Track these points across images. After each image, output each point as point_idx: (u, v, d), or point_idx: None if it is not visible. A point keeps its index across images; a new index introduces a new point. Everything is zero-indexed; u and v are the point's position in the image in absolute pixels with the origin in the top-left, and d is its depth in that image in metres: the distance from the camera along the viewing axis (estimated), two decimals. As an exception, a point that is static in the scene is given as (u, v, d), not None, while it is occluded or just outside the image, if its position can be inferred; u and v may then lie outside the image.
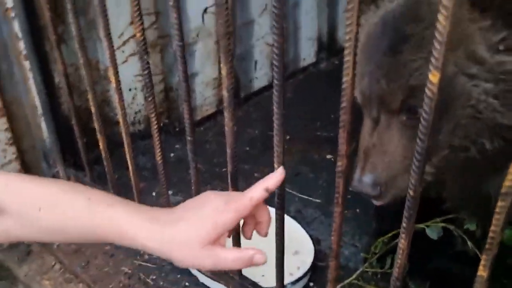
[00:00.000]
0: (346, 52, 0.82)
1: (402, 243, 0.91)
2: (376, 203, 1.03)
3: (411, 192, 0.84)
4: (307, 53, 3.06)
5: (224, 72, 1.03)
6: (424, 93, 0.74)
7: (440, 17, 0.68)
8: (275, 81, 0.97)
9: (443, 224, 1.15)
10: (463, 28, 0.93)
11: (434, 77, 0.72)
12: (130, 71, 2.16)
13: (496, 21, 0.90)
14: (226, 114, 1.09)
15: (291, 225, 1.77)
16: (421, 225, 1.18)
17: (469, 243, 1.13)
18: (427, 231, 1.21)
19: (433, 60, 0.71)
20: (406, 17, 0.96)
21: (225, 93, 1.07)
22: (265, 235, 1.00)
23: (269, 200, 0.98)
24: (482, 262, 0.81)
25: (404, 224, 0.88)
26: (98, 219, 0.91)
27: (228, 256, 0.89)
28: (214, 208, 0.90)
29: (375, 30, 1.01)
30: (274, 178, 0.97)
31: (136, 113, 2.29)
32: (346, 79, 0.84)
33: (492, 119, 0.98)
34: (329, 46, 3.17)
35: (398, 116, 0.98)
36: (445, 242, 1.35)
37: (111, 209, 0.92)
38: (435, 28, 0.69)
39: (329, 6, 3.05)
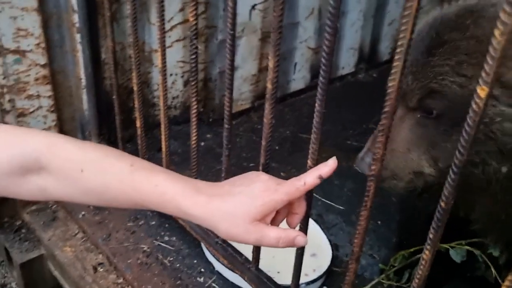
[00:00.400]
0: (396, 57, 0.83)
1: (426, 254, 0.91)
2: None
3: (442, 204, 0.84)
4: (346, 63, 3.06)
5: (271, 64, 1.05)
6: (470, 107, 0.75)
7: (497, 33, 0.68)
8: (321, 79, 0.99)
9: (468, 248, 1.14)
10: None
11: (482, 91, 0.72)
12: (173, 57, 2.20)
13: None
14: (267, 105, 1.11)
15: (312, 228, 1.77)
16: (446, 245, 1.17)
17: (492, 270, 1.11)
18: (451, 252, 1.19)
19: (483, 74, 0.71)
20: (450, 23, 0.97)
21: (269, 85, 1.08)
22: (295, 227, 1.01)
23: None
24: (506, 283, 0.81)
25: (430, 235, 0.88)
26: (141, 185, 0.93)
27: (271, 234, 0.90)
28: (265, 187, 0.92)
29: (422, 30, 1.04)
30: (328, 167, 0.97)
31: (173, 98, 2.33)
32: (392, 84, 0.85)
33: (504, 143, 0.98)
34: (370, 58, 3.16)
35: (414, 112, 1.00)
36: (466, 264, 1.33)
37: (154, 175, 0.94)
38: (490, 43, 0.70)
39: (375, 18, 3.04)
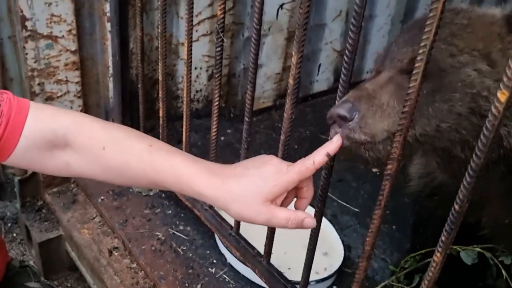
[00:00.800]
0: (418, 58, 0.83)
1: (438, 256, 0.91)
2: (344, 133, 1.00)
3: (456, 207, 0.84)
4: (371, 67, 3.05)
5: (294, 60, 1.07)
6: (490, 111, 0.75)
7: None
8: (342, 77, 1.00)
9: (479, 250, 1.13)
10: (490, 32, 1.01)
11: (502, 95, 0.72)
12: (199, 51, 2.24)
13: None
14: (288, 101, 1.13)
15: (325, 227, 1.78)
16: (456, 247, 1.16)
17: (504, 273, 1.10)
18: (462, 254, 1.19)
19: (505, 79, 0.71)
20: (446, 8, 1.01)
21: (291, 81, 1.10)
22: (304, 209, 1.02)
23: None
24: (515, 289, 0.81)
25: (443, 238, 0.88)
26: (158, 165, 0.97)
27: (281, 215, 0.93)
28: (276, 169, 0.95)
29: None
30: (334, 144, 0.99)
31: (197, 91, 2.37)
32: (413, 84, 0.85)
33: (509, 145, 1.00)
34: (395, 64, 3.14)
35: (402, 75, 1.02)
36: (477, 272, 1.33)
37: (171, 156, 0.98)
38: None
39: (403, 23, 3.02)
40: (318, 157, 0.96)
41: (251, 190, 0.93)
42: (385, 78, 1.03)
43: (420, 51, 0.83)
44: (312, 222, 0.97)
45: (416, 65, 0.84)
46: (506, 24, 1.00)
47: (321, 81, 2.83)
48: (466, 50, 0.98)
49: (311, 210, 1.23)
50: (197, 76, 2.32)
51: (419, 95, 0.87)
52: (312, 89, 2.84)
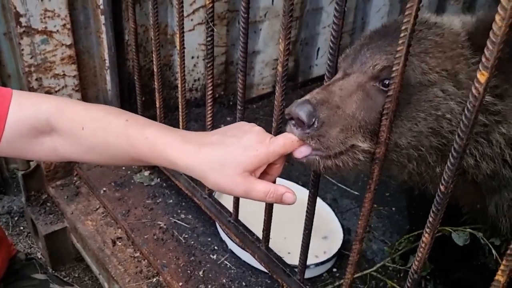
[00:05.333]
0: (400, 41, 0.84)
1: (426, 237, 0.92)
2: (301, 137, 0.94)
3: (442, 188, 0.85)
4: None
5: (281, 47, 1.07)
6: (470, 92, 0.75)
7: (497, 18, 0.68)
8: (328, 62, 1.00)
9: (470, 230, 1.14)
10: (456, 53, 1.00)
11: (482, 76, 0.73)
12: (195, 40, 2.24)
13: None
14: (278, 88, 1.13)
15: (325, 211, 1.80)
16: (448, 228, 1.17)
17: (494, 252, 1.11)
18: (453, 235, 1.20)
19: (483, 59, 0.72)
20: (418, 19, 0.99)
21: (279, 68, 1.11)
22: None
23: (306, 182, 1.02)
24: (501, 267, 0.82)
25: (430, 219, 0.90)
26: (134, 139, 0.97)
27: (260, 188, 0.90)
28: (258, 139, 0.91)
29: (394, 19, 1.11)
30: None
31: (195, 80, 2.37)
32: (396, 68, 0.86)
33: (449, 140, 0.99)
34: (395, 45, 3.12)
35: (372, 82, 0.99)
36: (470, 251, 1.34)
37: (146, 129, 0.97)
38: (491, 30, 0.70)
39: (402, 3, 2.99)
40: None
41: (229, 159, 0.89)
42: (353, 84, 0.99)
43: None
44: (292, 197, 0.93)
45: (398, 48, 0.85)
46: (470, 45, 0.99)
47: (321, 65, 2.83)
48: (436, 69, 0.97)
49: (305, 191, 1.25)
50: (195, 65, 2.32)
51: (402, 78, 0.88)
52: (311, 74, 2.84)
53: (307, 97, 0.96)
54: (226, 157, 0.90)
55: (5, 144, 1.00)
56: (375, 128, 0.96)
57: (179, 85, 1.57)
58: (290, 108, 0.94)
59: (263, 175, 0.96)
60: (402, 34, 0.83)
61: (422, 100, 0.97)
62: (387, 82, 0.95)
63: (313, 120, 0.93)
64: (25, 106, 1.01)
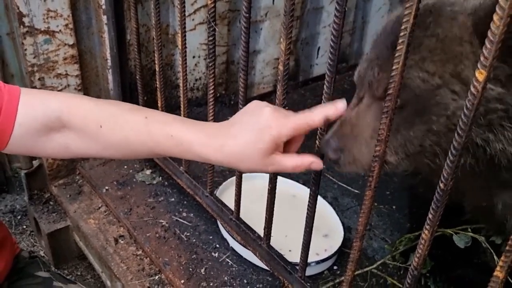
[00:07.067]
0: (400, 41, 0.85)
1: (426, 234, 0.93)
2: (336, 168, 1.08)
3: (441, 185, 0.86)
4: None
5: (282, 47, 1.08)
6: (469, 91, 0.77)
7: (495, 17, 0.69)
8: (329, 61, 1.01)
9: (472, 234, 1.15)
10: (458, 48, 0.98)
11: (480, 75, 0.74)
12: (196, 39, 2.25)
13: None
14: (279, 87, 1.15)
15: (325, 210, 1.81)
16: (449, 231, 1.19)
17: (495, 257, 1.12)
18: (454, 238, 1.21)
19: (481, 58, 0.73)
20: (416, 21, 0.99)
21: (280, 67, 1.12)
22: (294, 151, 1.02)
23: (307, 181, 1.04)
24: (500, 264, 0.83)
25: (430, 216, 0.91)
26: (157, 136, 0.99)
27: (288, 164, 0.95)
28: (270, 122, 0.93)
29: (387, 27, 1.09)
30: (336, 110, 0.97)
31: (196, 80, 2.39)
32: (396, 67, 0.87)
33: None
34: (396, 44, 3.13)
35: (380, 101, 1.02)
36: (473, 250, 1.35)
37: (168, 126, 1.00)
38: (490, 28, 0.71)
39: (402, 2, 3.00)
40: (317, 118, 0.95)
41: (251, 148, 0.93)
42: (365, 107, 1.06)
43: (401, 34, 0.85)
44: (319, 164, 0.99)
45: (398, 47, 0.86)
46: (475, 39, 0.97)
47: (321, 65, 2.84)
48: (438, 74, 0.98)
49: (306, 190, 1.26)
50: (196, 65, 2.33)
51: (402, 77, 0.89)
52: (312, 73, 2.85)
53: (329, 134, 1.06)
54: (247, 147, 0.94)
55: (15, 142, 1.02)
56: (399, 141, 1.04)
57: (181, 85, 1.58)
58: (321, 148, 1.09)
59: (290, 144, 1.00)
60: (401, 34, 0.84)
61: (431, 104, 0.99)
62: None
63: (339, 153, 1.04)
64: (34, 104, 1.02)
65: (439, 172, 0.85)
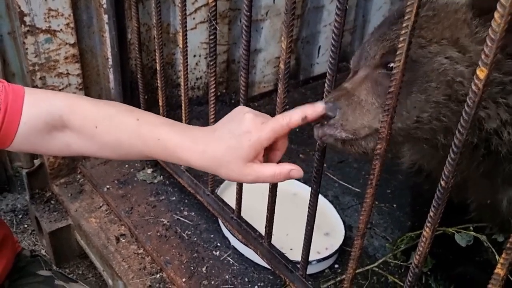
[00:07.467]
0: (401, 38, 0.85)
1: (427, 231, 0.93)
2: (323, 139, 1.04)
3: (442, 183, 0.87)
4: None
5: (283, 45, 1.08)
6: (470, 88, 0.77)
7: (496, 15, 0.70)
8: (330, 60, 1.02)
9: (473, 233, 1.15)
10: (455, 19, 1.01)
11: (481, 72, 0.74)
12: (197, 38, 2.25)
13: (486, 24, 0.98)
14: (280, 85, 1.15)
15: (326, 208, 1.81)
16: (452, 229, 1.19)
17: (496, 256, 1.12)
18: (456, 237, 1.21)
19: (483, 56, 0.73)
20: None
21: (281, 66, 1.12)
22: (276, 161, 1.02)
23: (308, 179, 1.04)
24: (501, 261, 0.83)
25: (431, 213, 0.91)
26: (147, 139, 1.01)
27: (266, 173, 0.94)
28: (250, 128, 0.93)
29: (389, 16, 1.13)
30: (314, 110, 0.97)
31: (197, 79, 2.39)
32: (397, 64, 0.87)
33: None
34: (396, 43, 3.13)
35: (376, 70, 1.04)
36: (475, 248, 1.35)
37: (157, 129, 1.01)
38: (490, 26, 0.71)
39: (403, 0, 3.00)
40: (294, 118, 0.95)
41: (231, 154, 0.93)
42: (362, 76, 1.06)
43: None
44: (298, 172, 0.96)
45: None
46: (471, 9, 1.01)
47: (322, 63, 2.84)
48: (434, 40, 1.00)
49: (307, 188, 1.26)
50: (197, 64, 2.34)
51: (403, 74, 0.89)
52: (312, 72, 2.85)
53: (324, 99, 1.04)
54: (228, 153, 0.94)
55: (19, 140, 1.04)
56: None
57: (181, 84, 1.58)
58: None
59: (272, 152, 1.00)
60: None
61: (429, 71, 1.00)
62: (391, 65, 0.97)
63: (336, 112, 1.01)
64: (38, 103, 1.04)
65: (443, 157, 0.85)
